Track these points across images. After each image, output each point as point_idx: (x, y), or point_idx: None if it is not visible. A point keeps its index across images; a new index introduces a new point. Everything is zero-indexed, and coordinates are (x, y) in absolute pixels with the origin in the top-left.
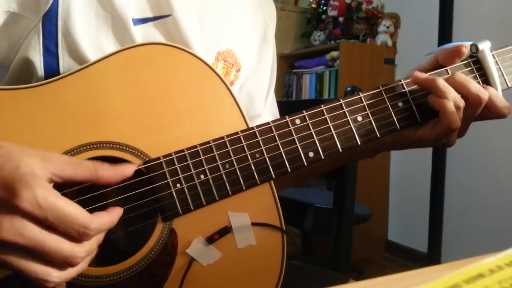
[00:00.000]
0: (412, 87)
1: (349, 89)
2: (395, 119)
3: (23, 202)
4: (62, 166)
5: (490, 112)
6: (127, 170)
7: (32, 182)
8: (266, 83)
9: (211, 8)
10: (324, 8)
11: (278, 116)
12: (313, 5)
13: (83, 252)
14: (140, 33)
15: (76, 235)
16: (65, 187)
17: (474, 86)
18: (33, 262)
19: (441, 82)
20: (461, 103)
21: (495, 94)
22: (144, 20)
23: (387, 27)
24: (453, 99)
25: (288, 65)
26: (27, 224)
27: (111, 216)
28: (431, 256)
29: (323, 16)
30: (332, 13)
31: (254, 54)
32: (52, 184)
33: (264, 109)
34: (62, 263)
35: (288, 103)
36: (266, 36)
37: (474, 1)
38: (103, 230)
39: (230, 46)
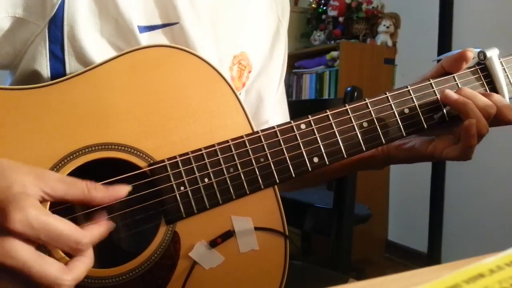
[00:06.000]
0: (418, 94)
1: (349, 89)
2: (401, 126)
3: (15, 223)
4: (55, 185)
5: (498, 120)
6: (121, 191)
7: (23, 203)
8: (276, 79)
9: (229, 11)
10: (324, 8)
11: (287, 114)
12: (313, 5)
13: (69, 280)
14: (147, 40)
15: (69, 251)
16: None
17: (481, 100)
18: (17, 284)
19: (472, 107)
20: (486, 131)
21: (502, 102)
22: (151, 28)
23: (387, 27)
24: (479, 129)
25: (288, 65)
26: (16, 245)
27: (101, 228)
28: (431, 256)
29: (323, 16)
30: (332, 13)
31: (266, 54)
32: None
33: (274, 100)
34: None
35: (288, 103)
36: (278, 33)
37: (474, 1)
38: (94, 243)
39: (244, 49)
